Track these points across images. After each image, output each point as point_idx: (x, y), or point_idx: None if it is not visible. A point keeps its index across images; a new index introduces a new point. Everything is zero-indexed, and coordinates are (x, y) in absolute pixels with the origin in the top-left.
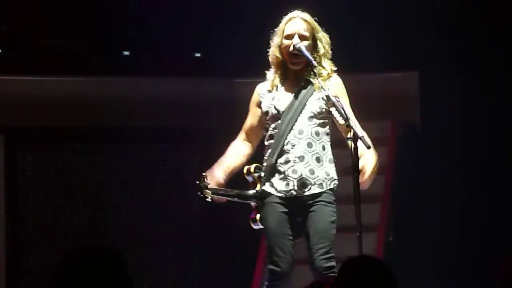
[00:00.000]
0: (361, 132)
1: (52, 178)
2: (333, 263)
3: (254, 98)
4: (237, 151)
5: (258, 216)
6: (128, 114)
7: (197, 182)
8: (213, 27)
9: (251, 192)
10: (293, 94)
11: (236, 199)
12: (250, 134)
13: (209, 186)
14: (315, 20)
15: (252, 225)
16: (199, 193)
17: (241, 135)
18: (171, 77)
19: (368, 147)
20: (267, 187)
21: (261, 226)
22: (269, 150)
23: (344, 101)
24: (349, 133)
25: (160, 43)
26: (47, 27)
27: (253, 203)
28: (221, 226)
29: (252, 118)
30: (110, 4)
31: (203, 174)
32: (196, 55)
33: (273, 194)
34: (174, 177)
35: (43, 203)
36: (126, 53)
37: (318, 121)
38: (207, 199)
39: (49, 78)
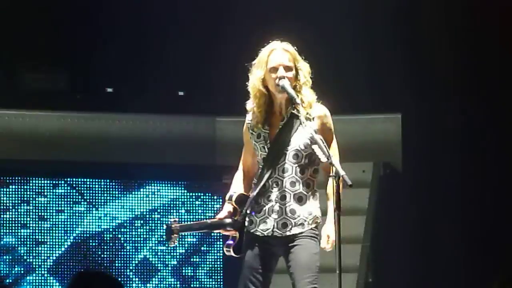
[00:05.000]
0: (342, 170)
1: (34, 215)
2: None
3: (245, 132)
4: (240, 181)
5: (233, 245)
6: (110, 149)
7: (167, 224)
8: (195, 66)
9: (228, 221)
10: (278, 131)
11: (206, 230)
12: (247, 165)
13: (174, 226)
14: (295, 49)
15: (226, 253)
16: (165, 236)
17: (240, 166)
18: (153, 114)
19: (350, 186)
20: (246, 222)
21: (235, 255)
22: (254, 185)
23: (330, 133)
24: (331, 171)
25: (144, 80)
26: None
27: (228, 232)
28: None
29: (246, 151)
30: (95, 40)
31: (173, 219)
32: (180, 93)
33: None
34: (152, 213)
35: None
36: (109, 89)
37: (303, 159)
38: (170, 244)
39: (31, 112)
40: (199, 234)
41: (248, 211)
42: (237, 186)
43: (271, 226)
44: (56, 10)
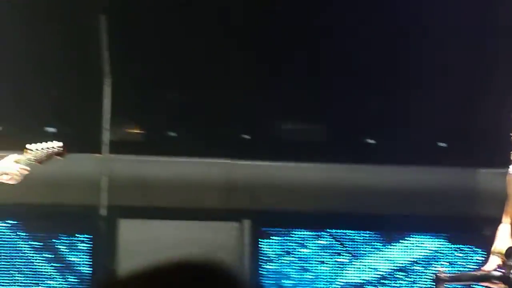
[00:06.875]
0: None
1: (296, 266)
2: None
3: (509, 184)
4: (506, 234)
5: None
6: (371, 201)
7: (436, 273)
8: (456, 117)
9: (496, 273)
10: None
11: (473, 283)
12: None
13: (443, 276)
14: None
15: None
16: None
17: (506, 218)
18: (414, 165)
19: None
20: None
21: None
22: None
23: None
24: None
25: (404, 131)
26: (290, 113)
27: (495, 285)
28: None
29: (511, 203)
30: (352, 91)
31: (441, 269)
32: (440, 145)
33: None
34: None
35: None
36: (371, 141)
37: None
38: None
39: (290, 164)
40: (464, 286)
41: None
42: (503, 239)
43: None
44: (311, 58)
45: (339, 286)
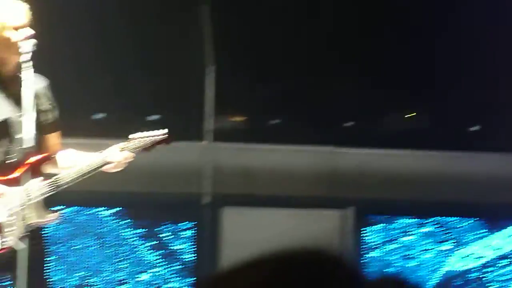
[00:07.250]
0: None
1: (399, 254)
2: None
3: None
4: None
5: None
6: (475, 188)
7: None
8: None
9: None
10: None
11: None
12: None
13: None
14: None
15: None
16: None
17: None
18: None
19: None
20: None
21: None
22: None
23: None
24: None
25: (507, 118)
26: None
27: None
28: None
29: None
30: (455, 79)
31: None
32: None
33: None
34: None
35: None
36: (474, 128)
37: None
38: None
39: (394, 151)
40: None
41: None
42: None
43: None
44: (414, 47)
45: (443, 274)
